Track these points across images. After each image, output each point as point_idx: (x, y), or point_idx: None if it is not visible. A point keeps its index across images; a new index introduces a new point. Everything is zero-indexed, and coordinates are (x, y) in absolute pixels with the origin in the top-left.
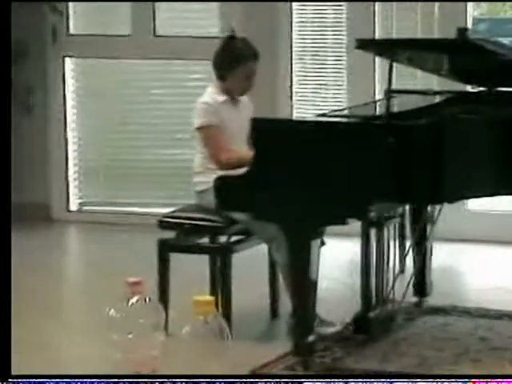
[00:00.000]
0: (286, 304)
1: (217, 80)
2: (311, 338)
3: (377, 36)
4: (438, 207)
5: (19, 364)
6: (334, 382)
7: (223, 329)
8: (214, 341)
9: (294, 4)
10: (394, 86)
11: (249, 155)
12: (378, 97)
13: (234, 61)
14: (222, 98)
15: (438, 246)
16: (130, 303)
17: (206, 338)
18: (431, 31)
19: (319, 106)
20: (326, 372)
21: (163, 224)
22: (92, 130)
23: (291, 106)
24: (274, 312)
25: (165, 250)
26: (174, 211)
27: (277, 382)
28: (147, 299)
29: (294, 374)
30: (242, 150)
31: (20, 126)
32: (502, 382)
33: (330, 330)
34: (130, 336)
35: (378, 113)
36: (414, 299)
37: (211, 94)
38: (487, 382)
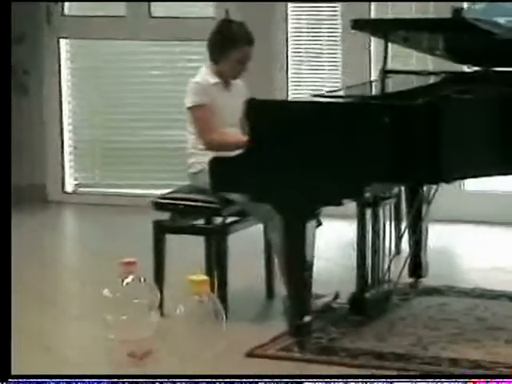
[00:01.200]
0: (281, 284)
1: (210, 62)
2: (307, 319)
3: (372, 16)
4: (434, 188)
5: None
6: (333, 381)
7: (218, 309)
8: (209, 321)
9: None
10: (389, 67)
11: (237, 139)
12: (373, 77)
13: (228, 44)
14: (214, 79)
15: (435, 227)
16: (124, 283)
17: (201, 319)
18: (426, 11)
19: (315, 86)
20: (322, 352)
21: (158, 205)
22: (87, 111)
23: (287, 87)
24: (270, 292)
25: (160, 231)
26: (169, 192)
27: (277, 381)
28: (142, 279)
29: (294, 375)
30: (232, 133)
31: (16, 108)
32: (502, 382)
33: (322, 301)
34: (124, 317)
35: (373, 93)
36: (410, 280)
37: (204, 74)
38: (487, 381)
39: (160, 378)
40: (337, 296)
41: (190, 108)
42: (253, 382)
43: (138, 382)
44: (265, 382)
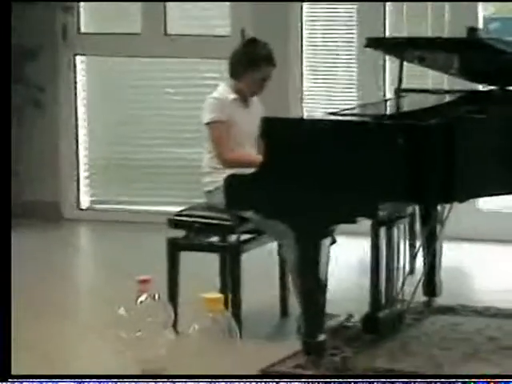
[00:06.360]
0: (295, 302)
1: (230, 78)
2: (321, 337)
3: (387, 35)
4: (447, 207)
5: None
6: (333, 382)
7: (232, 327)
8: (223, 339)
9: (304, 3)
10: (404, 85)
11: (254, 158)
12: (388, 96)
13: (252, 63)
14: (232, 96)
15: (448, 246)
16: (138, 301)
17: (215, 336)
18: (442, 31)
19: (330, 104)
20: (335, 371)
21: (173, 222)
22: (102, 128)
23: (302, 105)
24: (284, 310)
25: (174, 248)
26: (184, 210)
27: (277, 381)
28: (156, 297)
29: (296, 374)
30: (249, 151)
31: (31, 124)
32: (502, 381)
33: (334, 322)
34: (139, 334)
35: (388, 112)
36: (424, 299)
37: (222, 91)
38: (487, 381)
39: (160, 378)
40: (350, 317)
41: (207, 124)
42: (253, 382)
43: (138, 381)
44: (265, 381)
